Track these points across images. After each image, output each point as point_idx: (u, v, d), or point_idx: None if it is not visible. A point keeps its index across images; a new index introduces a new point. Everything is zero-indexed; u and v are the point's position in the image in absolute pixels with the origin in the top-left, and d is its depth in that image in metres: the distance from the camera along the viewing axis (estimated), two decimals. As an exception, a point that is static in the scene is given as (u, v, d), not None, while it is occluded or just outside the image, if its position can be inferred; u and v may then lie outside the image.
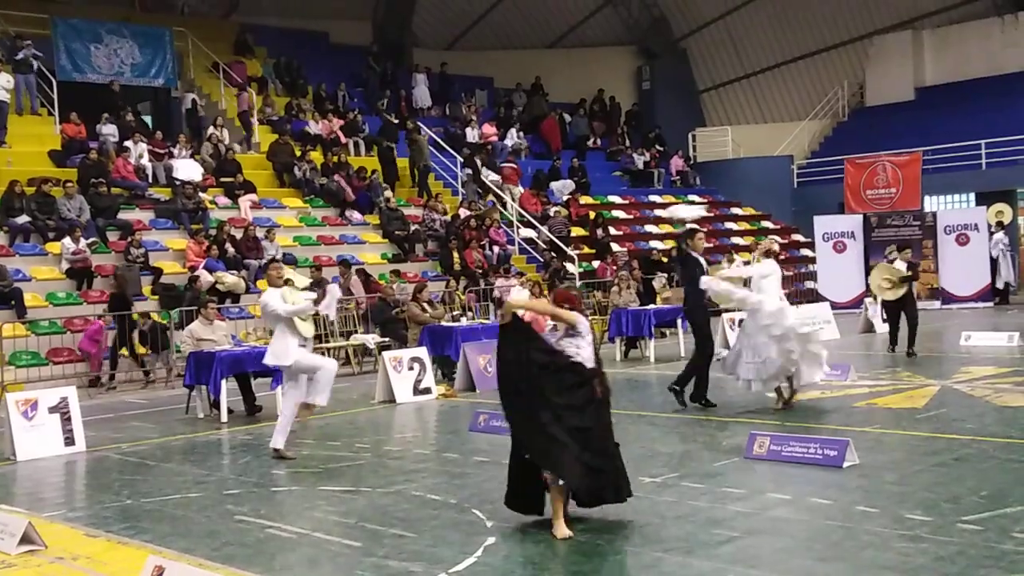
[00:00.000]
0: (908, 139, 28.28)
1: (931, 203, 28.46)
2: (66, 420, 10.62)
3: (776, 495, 7.37)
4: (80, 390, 15.20)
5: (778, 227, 30.17)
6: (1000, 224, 24.93)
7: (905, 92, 32.73)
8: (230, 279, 18.36)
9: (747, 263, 13.65)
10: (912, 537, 6.17)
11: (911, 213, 24.91)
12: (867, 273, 24.73)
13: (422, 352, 13.89)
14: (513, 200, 25.44)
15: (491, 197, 25.40)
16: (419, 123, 26.61)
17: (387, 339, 16.84)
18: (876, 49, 33.55)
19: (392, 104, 28.36)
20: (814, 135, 33.86)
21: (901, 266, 15.44)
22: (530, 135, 30.03)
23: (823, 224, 25.25)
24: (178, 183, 21.23)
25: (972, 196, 28.63)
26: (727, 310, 16.55)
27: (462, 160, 26.23)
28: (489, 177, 26.27)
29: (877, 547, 6.05)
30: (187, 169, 21.85)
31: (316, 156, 24.28)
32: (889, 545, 6.06)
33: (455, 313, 16.79)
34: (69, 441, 10.59)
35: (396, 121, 27.09)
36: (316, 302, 9.69)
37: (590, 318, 20.20)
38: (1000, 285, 24.43)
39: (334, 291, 10.17)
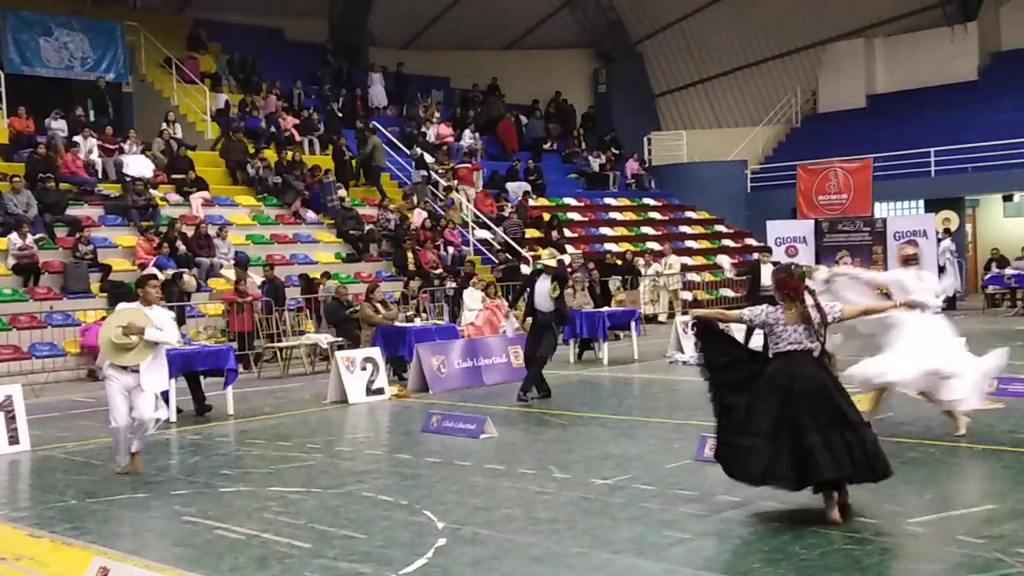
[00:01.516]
0: (859, 146, 28.62)
1: (881, 209, 28.83)
2: (10, 418, 10.43)
3: (727, 497, 7.41)
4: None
5: (731, 231, 30.43)
6: (947, 231, 25.32)
7: (857, 99, 33.17)
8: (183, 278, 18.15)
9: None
10: (859, 539, 6.23)
11: (861, 219, 25.21)
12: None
13: (375, 352, 13.83)
14: (468, 201, 25.41)
15: (452, 195, 25.34)
16: (374, 123, 26.50)
17: (340, 339, 16.76)
18: (829, 56, 33.96)
19: (347, 103, 28.21)
20: (767, 140, 34.20)
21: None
22: (486, 136, 30.01)
23: (776, 229, 25.49)
24: (128, 179, 20.95)
25: (921, 203, 29.07)
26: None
27: (415, 161, 26.18)
28: (425, 156, 26.21)
29: (825, 549, 6.11)
30: (138, 165, 21.57)
31: (270, 154, 24.09)
32: (836, 547, 6.12)
33: (409, 313, 16.73)
34: (13, 440, 10.39)
35: (341, 115, 26.97)
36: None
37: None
38: (950, 292, 24.78)
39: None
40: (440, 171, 26.20)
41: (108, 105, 23.67)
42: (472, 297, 18.26)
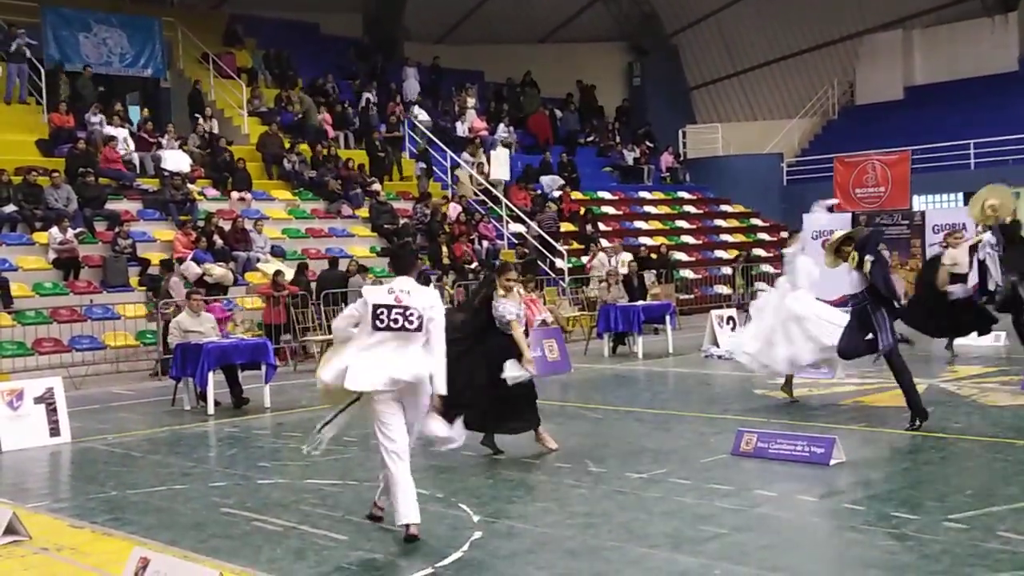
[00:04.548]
0: (897, 138, 28.32)
1: (919, 202, 28.52)
2: (52, 411, 10.58)
3: (763, 492, 7.38)
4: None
5: (767, 225, 30.22)
6: (987, 225, 24.97)
7: (895, 91, 32.78)
8: (218, 271, 18.30)
9: None
10: (898, 535, 6.18)
11: (900, 212, 24.95)
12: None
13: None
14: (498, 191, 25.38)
15: (456, 172, 25.36)
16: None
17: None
18: (866, 48, 33.60)
19: (382, 97, 28.26)
20: (804, 133, 33.90)
21: None
22: (519, 130, 29.97)
23: (812, 222, 25.27)
24: (166, 174, 21.13)
25: (960, 196, 28.69)
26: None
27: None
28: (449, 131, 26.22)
29: (863, 545, 6.06)
30: (175, 160, 21.74)
31: (305, 148, 24.20)
32: (875, 543, 6.08)
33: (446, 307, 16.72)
34: (54, 432, 10.54)
35: (375, 108, 27.05)
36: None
37: (578, 314, 20.24)
38: (991, 287, 24.43)
39: None
40: (472, 162, 26.22)
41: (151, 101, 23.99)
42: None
